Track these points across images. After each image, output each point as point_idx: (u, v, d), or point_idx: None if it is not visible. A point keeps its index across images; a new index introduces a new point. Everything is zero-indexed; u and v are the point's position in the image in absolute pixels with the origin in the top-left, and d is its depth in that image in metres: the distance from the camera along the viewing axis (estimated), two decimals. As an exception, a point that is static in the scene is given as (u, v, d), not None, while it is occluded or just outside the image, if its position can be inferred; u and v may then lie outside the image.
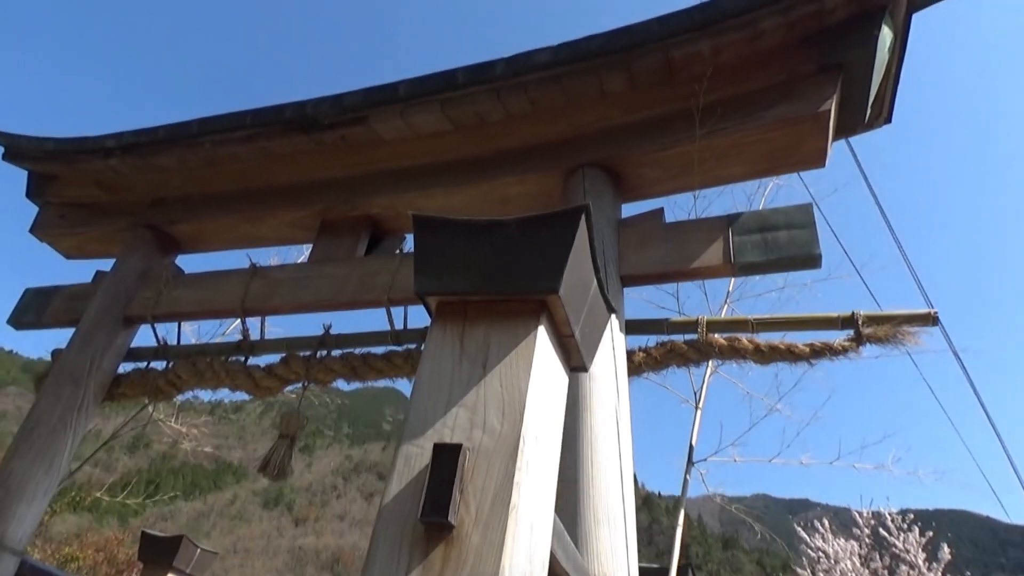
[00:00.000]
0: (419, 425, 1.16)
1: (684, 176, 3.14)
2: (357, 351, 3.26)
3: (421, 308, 3.04)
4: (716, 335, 2.78)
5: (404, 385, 3.66)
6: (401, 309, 3.31)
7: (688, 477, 6.18)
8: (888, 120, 3.38)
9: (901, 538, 11.89)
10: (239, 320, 3.60)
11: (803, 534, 13.44)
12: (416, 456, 1.11)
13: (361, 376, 3.18)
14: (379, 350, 3.25)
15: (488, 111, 3.28)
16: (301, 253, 6.57)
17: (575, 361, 1.44)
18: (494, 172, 3.31)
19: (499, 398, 1.15)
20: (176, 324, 3.81)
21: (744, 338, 2.75)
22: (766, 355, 2.68)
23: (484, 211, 3.46)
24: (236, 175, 3.87)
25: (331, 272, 3.39)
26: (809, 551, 13.14)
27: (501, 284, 1.25)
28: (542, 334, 1.24)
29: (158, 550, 4.04)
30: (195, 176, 3.96)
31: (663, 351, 2.81)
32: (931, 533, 11.89)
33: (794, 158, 3.05)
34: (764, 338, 2.77)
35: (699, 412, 6.54)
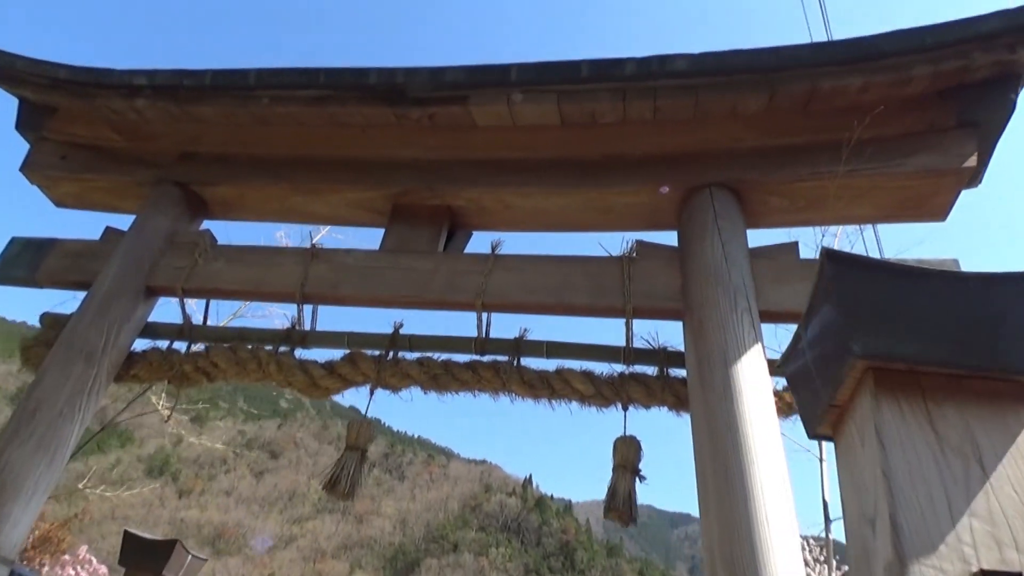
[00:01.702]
0: (916, 535, 0.90)
1: (810, 210, 3.00)
2: (436, 357, 2.91)
3: (505, 317, 2.73)
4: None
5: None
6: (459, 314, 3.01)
7: (831, 537, 5.82)
8: (980, 182, 3.39)
9: (817, 569, 12.41)
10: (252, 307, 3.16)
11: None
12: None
13: (442, 386, 2.84)
14: (459, 358, 2.92)
15: (604, 111, 3.02)
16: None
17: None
18: (603, 178, 3.05)
19: (1019, 509, 0.91)
20: (204, 302, 3.32)
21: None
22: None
23: (584, 219, 3.20)
24: (290, 139, 3.41)
25: (410, 265, 3.02)
26: None
27: (982, 358, 1.01)
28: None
29: (145, 554, 3.53)
30: (240, 133, 3.46)
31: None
32: (846, 568, 12.50)
33: (922, 208, 2.98)
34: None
35: (824, 464, 6.24)
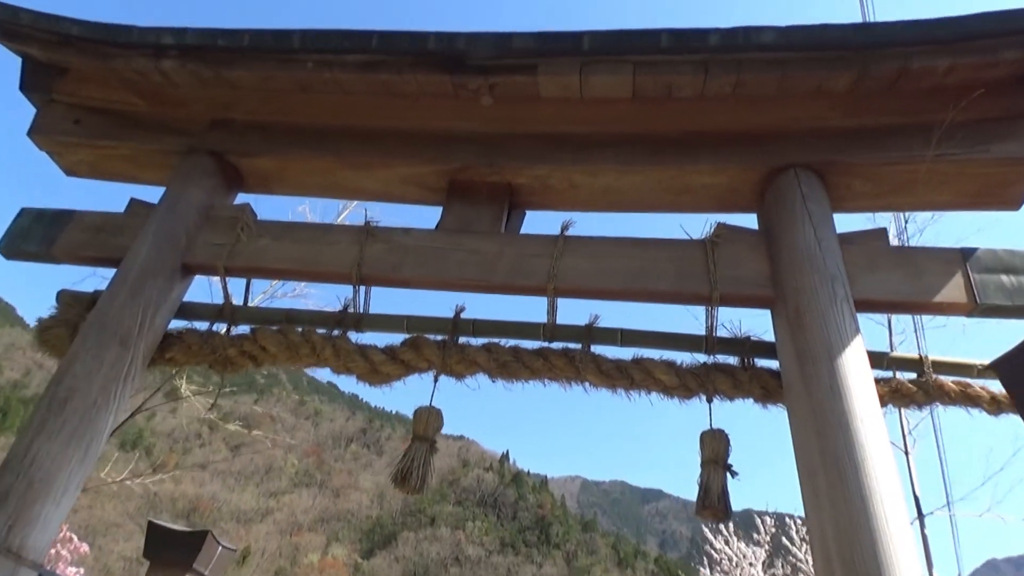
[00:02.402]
0: None
1: (892, 195, 2.87)
2: (503, 343, 2.73)
3: (576, 302, 2.57)
4: (942, 378, 2.55)
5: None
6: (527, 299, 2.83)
7: (925, 532, 5.78)
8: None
9: (803, 548, 12.63)
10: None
11: (708, 535, 14.02)
12: None
13: (512, 374, 2.66)
14: (527, 345, 2.74)
15: (683, 85, 2.82)
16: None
17: None
18: (681, 156, 2.87)
19: None
20: (244, 281, 3.09)
21: (977, 385, 2.53)
22: (1001, 405, 2.47)
23: (654, 199, 3.02)
24: (334, 108, 3.16)
25: (474, 246, 2.82)
26: (712, 552, 13.72)
27: None
28: None
29: (173, 546, 3.33)
30: (278, 100, 3.20)
31: (886, 390, 2.53)
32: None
33: (1000, 197, 2.85)
34: (980, 384, 2.57)
35: (910, 458, 6.16)
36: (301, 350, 2.78)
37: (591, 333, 2.68)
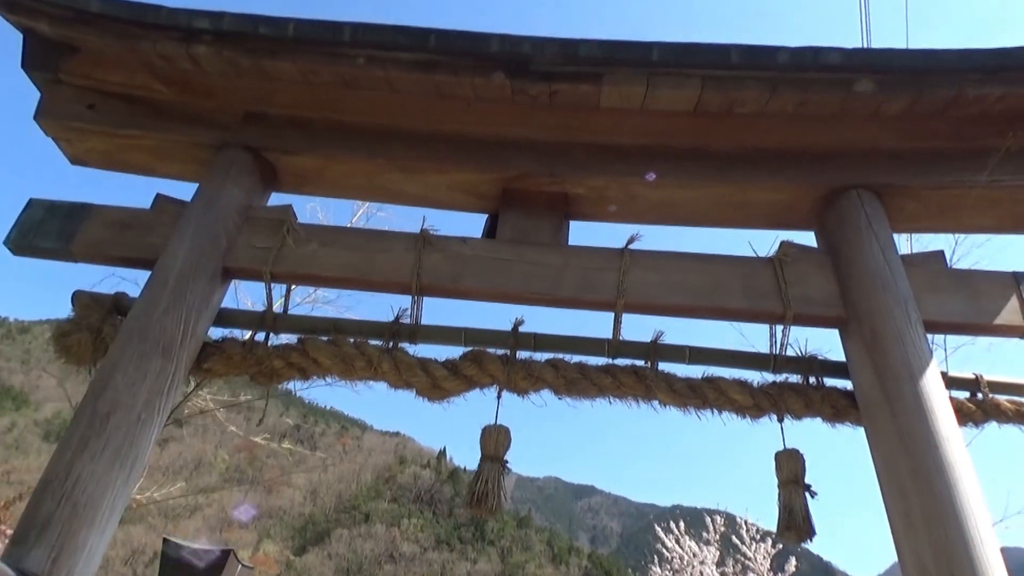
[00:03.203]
0: None
1: (939, 218, 2.97)
2: (568, 358, 2.67)
3: (640, 318, 2.56)
4: (998, 396, 2.65)
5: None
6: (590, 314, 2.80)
7: None
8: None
9: (752, 547, 13.10)
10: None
11: (659, 535, 14.34)
12: None
13: (578, 391, 2.60)
14: (593, 361, 2.69)
15: (747, 101, 2.83)
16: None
17: None
18: (739, 172, 2.88)
19: None
20: (284, 288, 2.91)
21: (1033, 405, 2.65)
22: (1053, 427, 2.59)
23: (712, 214, 3.03)
24: (380, 107, 3.01)
25: (536, 258, 2.74)
26: (664, 551, 14.05)
27: None
28: None
29: (190, 567, 3.12)
30: (318, 95, 3.03)
31: (946, 409, 2.61)
32: (780, 545, 13.27)
33: (1038, 223, 3.00)
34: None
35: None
36: (356, 363, 2.64)
37: (658, 350, 2.66)
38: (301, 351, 2.68)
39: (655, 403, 2.61)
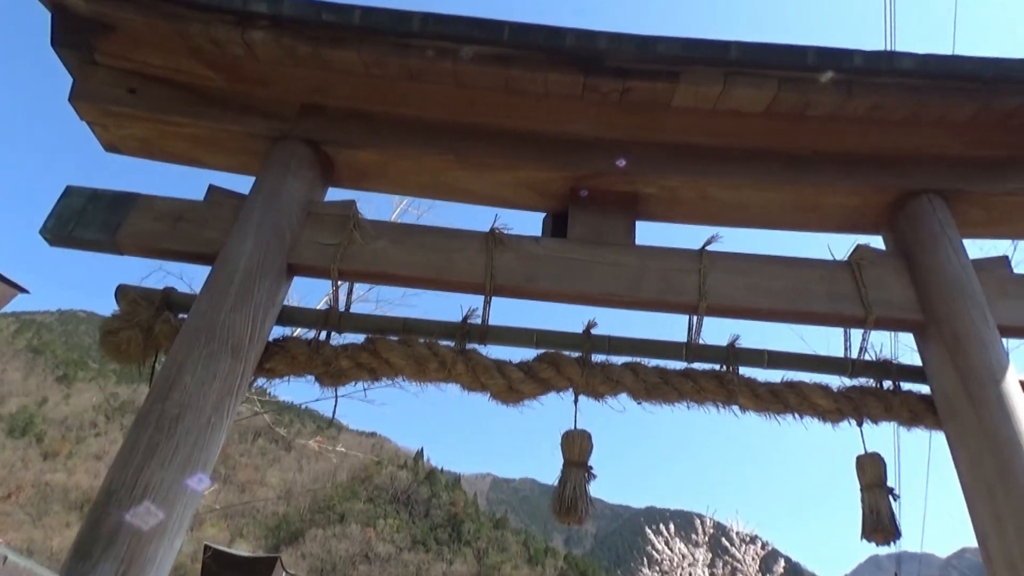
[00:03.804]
0: None
1: (1002, 224, 2.98)
2: (648, 363, 2.61)
3: (719, 321, 2.53)
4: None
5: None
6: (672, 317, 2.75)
7: None
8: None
9: (743, 549, 13.22)
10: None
11: (650, 537, 14.40)
12: None
13: (659, 396, 2.55)
14: (670, 365, 2.64)
15: (820, 103, 2.80)
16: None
17: None
18: (814, 175, 2.85)
19: None
20: (347, 286, 2.80)
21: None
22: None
23: (783, 216, 3.00)
24: (445, 101, 2.92)
25: (612, 259, 2.68)
26: (654, 552, 14.12)
27: None
28: None
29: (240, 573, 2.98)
30: (380, 87, 2.92)
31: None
32: (771, 547, 13.41)
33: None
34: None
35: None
36: (429, 364, 2.55)
37: (737, 354, 2.61)
38: (371, 351, 2.58)
39: (734, 408, 2.57)
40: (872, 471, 2.42)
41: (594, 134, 2.91)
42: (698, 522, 14.10)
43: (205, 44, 2.88)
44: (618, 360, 2.63)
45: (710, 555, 13.36)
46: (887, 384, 2.62)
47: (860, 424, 2.54)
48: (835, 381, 2.68)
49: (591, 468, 2.42)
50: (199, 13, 2.81)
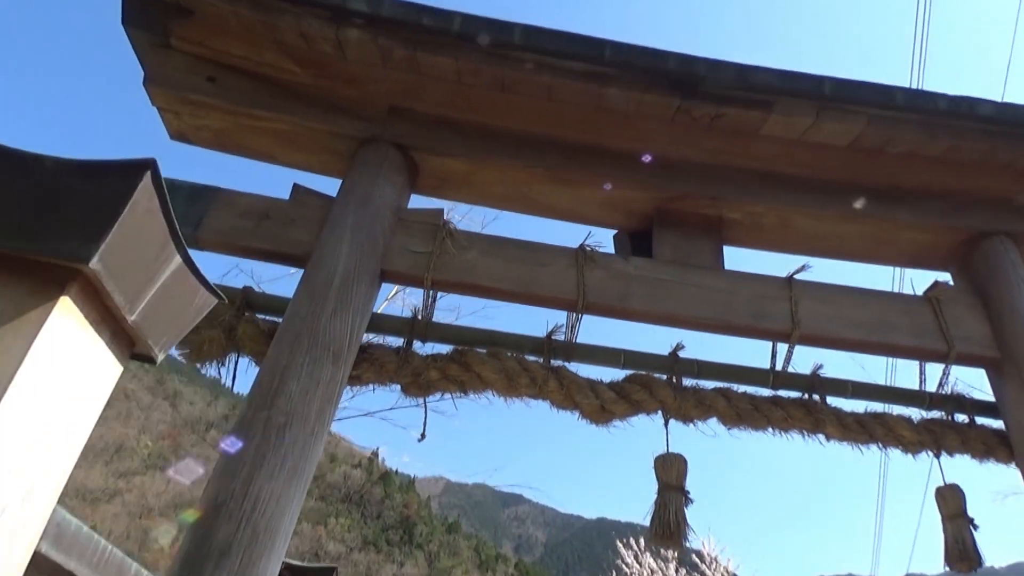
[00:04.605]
0: None
1: (1061, 268, 3.11)
2: (737, 388, 2.64)
3: (809, 351, 2.58)
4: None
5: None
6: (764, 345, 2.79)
7: None
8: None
9: (713, 566, 13.40)
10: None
11: (620, 550, 14.48)
12: None
13: (748, 423, 2.57)
14: (755, 391, 2.67)
15: (901, 141, 2.88)
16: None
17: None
18: (892, 210, 2.93)
19: None
20: (430, 294, 2.75)
21: None
22: None
23: (856, 248, 3.08)
24: (536, 114, 2.90)
25: (702, 282, 2.70)
26: (624, 566, 14.21)
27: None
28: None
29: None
30: (470, 96, 2.89)
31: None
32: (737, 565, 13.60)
33: None
34: None
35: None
36: (519, 380, 2.53)
37: (822, 383, 2.66)
38: (461, 363, 2.54)
39: (819, 437, 2.62)
40: (953, 502, 2.49)
41: (680, 156, 2.94)
42: (643, 538, 14.26)
43: (292, 38, 2.80)
44: (705, 384, 2.65)
45: (683, 570, 13.54)
46: (960, 418, 2.70)
47: (938, 456, 2.61)
48: (893, 409, 2.77)
49: (688, 492, 2.43)
50: (291, 5, 2.73)
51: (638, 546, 14.30)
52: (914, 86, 6.10)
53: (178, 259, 1.21)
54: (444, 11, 2.75)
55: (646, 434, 2.64)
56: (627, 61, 2.75)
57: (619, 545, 14.48)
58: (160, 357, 1.27)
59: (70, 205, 1.04)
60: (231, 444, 2.13)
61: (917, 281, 3.12)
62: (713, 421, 2.62)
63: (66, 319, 1.03)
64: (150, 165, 1.07)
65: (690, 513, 2.37)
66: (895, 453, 2.69)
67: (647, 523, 2.40)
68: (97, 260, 1.00)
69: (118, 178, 1.06)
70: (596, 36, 2.77)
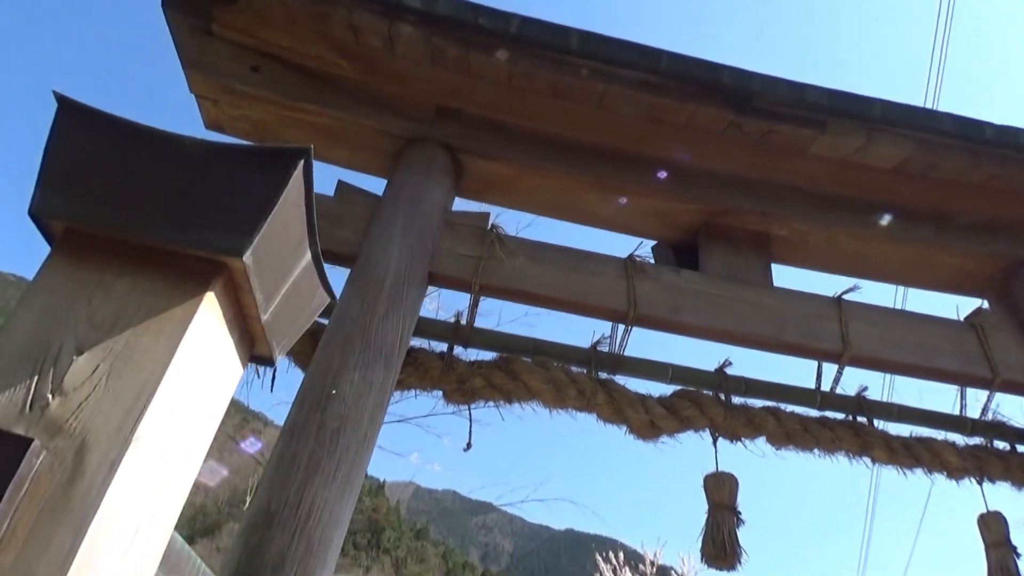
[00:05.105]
0: None
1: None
2: (783, 407, 2.61)
3: (853, 372, 2.55)
4: None
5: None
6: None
7: None
8: None
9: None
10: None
11: (599, 564, 14.42)
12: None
13: (796, 443, 2.54)
14: (802, 411, 2.65)
15: (945, 167, 2.89)
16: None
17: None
18: (934, 234, 2.93)
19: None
20: (469, 297, 2.68)
21: None
22: None
23: (900, 271, 3.08)
24: (585, 121, 2.86)
25: (753, 298, 2.67)
26: None
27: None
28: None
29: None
30: (521, 100, 2.83)
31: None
32: None
33: None
34: None
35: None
36: (567, 391, 2.47)
37: (868, 406, 2.65)
38: (507, 371, 2.48)
39: (865, 459, 2.60)
40: (996, 529, 2.49)
41: (729, 170, 2.92)
42: (622, 553, 14.28)
43: (341, 30, 2.73)
44: (753, 403, 2.62)
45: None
46: (1000, 444, 2.71)
47: (981, 483, 2.61)
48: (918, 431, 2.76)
49: (740, 512, 2.39)
50: (338, -1, 2.67)
51: (616, 560, 14.28)
52: (930, 104, 6.19)
53: (308, 256, 1.14)
54: (502, 12, 2.70)
55: (620, 448, 2.60)
56: (683, 72, 2.72)
57: (598, 559, 14.43)
58: (279, 360, 1.20)
59: (220, 193, 0.96)
60: (285, 450, 2.04)
61: (946, 306, 3.10)
62: (759, 440, 2.60)
63: (209, 318, 0.96)
64: (305, 153, 1.00)
65: (684, 531, 2.33)
66: (885, 472, 2.70)
67: (615, 537, 2.36)
68: (250, 254, 0.93)
69: (273, 166, 0.99)
70: (652, 46, 2.75)
